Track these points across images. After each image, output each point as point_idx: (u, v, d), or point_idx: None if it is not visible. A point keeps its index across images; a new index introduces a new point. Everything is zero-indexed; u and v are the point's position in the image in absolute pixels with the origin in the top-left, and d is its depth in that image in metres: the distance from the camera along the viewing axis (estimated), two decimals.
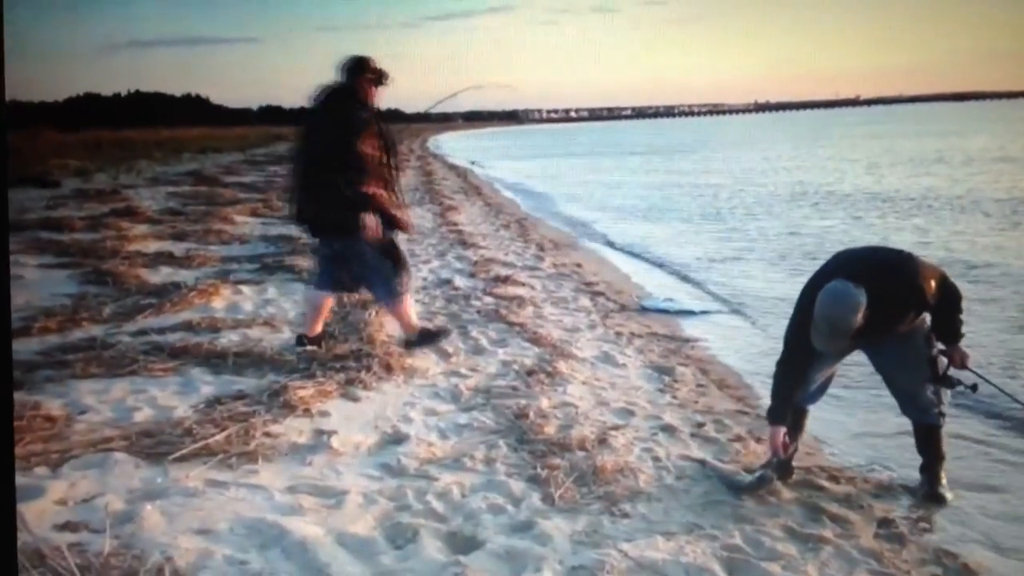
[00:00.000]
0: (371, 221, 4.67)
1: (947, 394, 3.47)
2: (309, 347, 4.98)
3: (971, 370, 3.43)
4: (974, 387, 3.41)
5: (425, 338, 5.19)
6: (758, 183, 20.15)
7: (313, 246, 5.08)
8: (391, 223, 4.82)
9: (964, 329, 3.39)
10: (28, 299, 6.27)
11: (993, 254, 9.41)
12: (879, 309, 3.11)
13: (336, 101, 4.72)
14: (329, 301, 5.17)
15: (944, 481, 3.48)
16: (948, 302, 3.31)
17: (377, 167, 4.73)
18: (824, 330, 3.13)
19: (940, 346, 3.42)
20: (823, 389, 3.61)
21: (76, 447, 3.54)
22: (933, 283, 3.24)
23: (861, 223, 12.73)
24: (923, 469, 3.54)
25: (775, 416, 3.42)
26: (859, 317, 3.07)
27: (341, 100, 4.72)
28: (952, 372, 3.41)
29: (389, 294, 4.96)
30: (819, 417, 4.47)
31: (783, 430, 3.39)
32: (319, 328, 5.12)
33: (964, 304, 3.36)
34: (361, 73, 4.74)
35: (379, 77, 4.78)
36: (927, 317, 3.39)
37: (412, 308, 5.19)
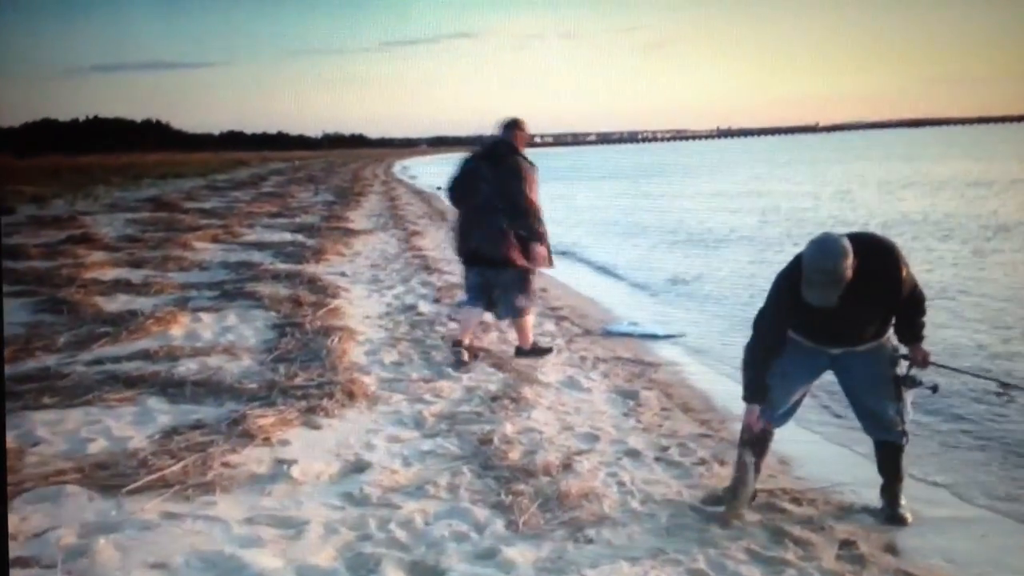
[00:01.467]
0: (543, 252, 5.72)
1: (909, 413, 3.51)
2: (464, 350, 5.71)
3: (935, 363, 3.49)
4: (935, 388, 3.47)
5: (535, 352, 5.91)
6: (729, 208, 20.27)
7: (463, 273, 6.04)
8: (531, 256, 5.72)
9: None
10: None
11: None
12: (860, 286, 3.17)
13: (503, 153, 5.62)
14: (482, 316, 6.01)
15: (903, 502, 3.53)
16: (916, 300, 3.40)
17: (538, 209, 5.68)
18: (817, 280, 3.15)
19: (903, 351, 3.47)
20: (791, 412, 3.64)
21: (28, 480, 3.45)
22: (908, 276, 3.33)
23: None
24: (883, 490, 3.58)
25: (749, 396, 3.49)
26: (847, 265, 3.13)
27: (506, 153, 5.62)
28: (914, 372, 3.46)
29: (516, 312, 5.80)
30: (784, 438, 4.53)
31: (757, 409, 3.47)
32: (468, 338, 5.85)
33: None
34: (519, 129, 5.69)
35: (527, 134, 5.80)
36: (891, 336, 3.45)
37: (531, 326, 6.03)
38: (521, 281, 5.74)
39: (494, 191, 5.59)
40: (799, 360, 3.49)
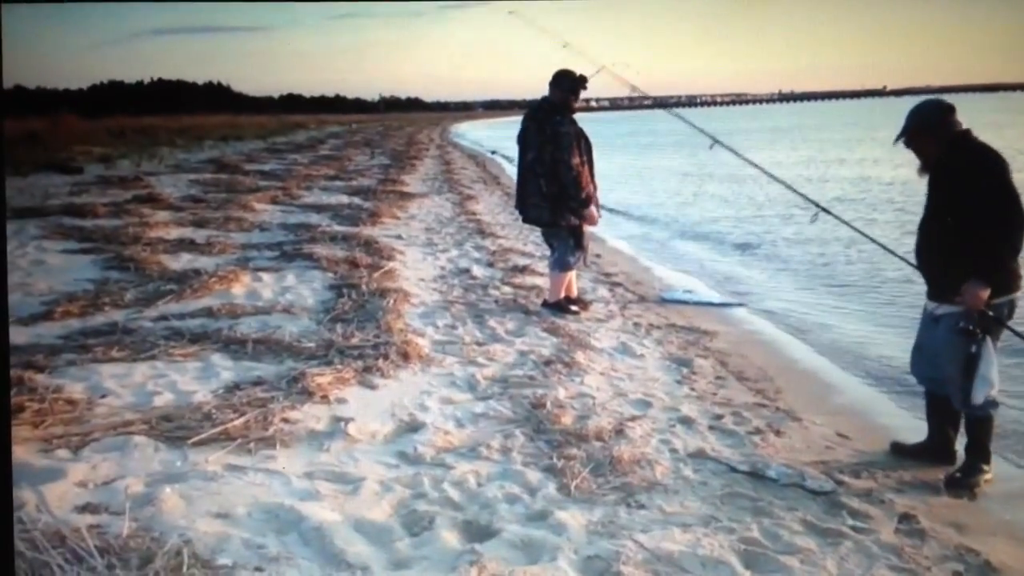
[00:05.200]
0: (593, 213, 5.89)
1: (989, 385, 3.35)
2: (569, 306, 6.02)
3: (995, 318, 3.34)
4: (982, 336, 3.30)
5: (559, 308, 6.02)
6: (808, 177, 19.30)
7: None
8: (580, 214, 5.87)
9: None
10: (51, 284, 6.33)
11: None
12: (949, 182, 3.35)
13: (544, 115, 5.72)
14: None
15: (980, 478, 3.44)
16: (994, 218, 3.21)
17: (583, 171, 5.76)
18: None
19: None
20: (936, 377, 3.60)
21: (97, 430, 3.57)
22: (995, 187, 3.24)
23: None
24: (966, 450, 3.54)
25: None
26: (925, 125, 3.43)
27: (547, 114, 5.71)
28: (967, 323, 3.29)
29: (562, 266, 5.97)
30: (844, 412, 4.46)
31: None
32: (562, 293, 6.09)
33: None
34: (568, 83, 5.70)
35: (579, 87, 5.76)
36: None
37: (565, 284, 6.11)
38: (571, 238, 5.90)
39: (536, 157, 5.75)
40: (924, 321, 3.62)
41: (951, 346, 3.38)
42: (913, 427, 4.04)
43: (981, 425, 3.47)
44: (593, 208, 5.89)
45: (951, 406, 3.57)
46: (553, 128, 5.69)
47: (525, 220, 6.23)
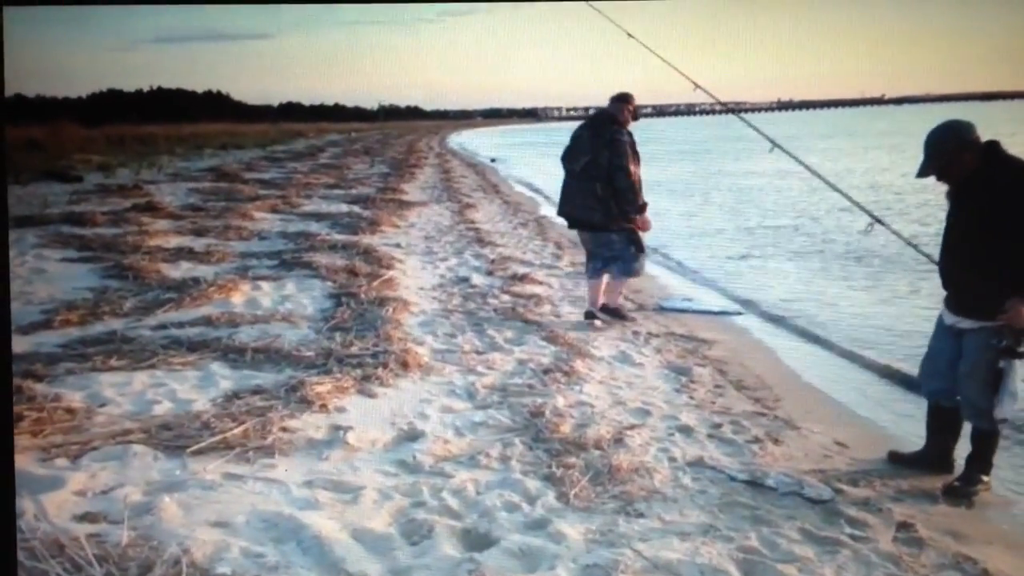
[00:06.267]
0: (648, 218, 6.08)
1: (1013, 400, 3.36)
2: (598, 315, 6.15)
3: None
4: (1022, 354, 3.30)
5: (618, 314, 6.23)
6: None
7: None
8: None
9: None
10: (50, 292, 6.34)
11: None
12: (978, 196, 3.28)
13: (603, 124, 5.93)
14: (600, 282, 6.26)
15: (978, 488, 3.45)
16: None
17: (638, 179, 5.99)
18: (923, 151, 3.39)
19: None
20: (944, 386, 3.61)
21: (96, 439, 3.58)
22: None
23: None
24: (968, 460, 3.54)
25: None
26: (950, 147, 3.33)
27: (606, 124, 5.93)
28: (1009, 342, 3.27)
29: (629, 272, 6.17)
30: (842, 421, 4.46)
31: None
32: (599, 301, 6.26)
33: None
34: (625, 103, 5.97)
35: (634, 108, 6.06)
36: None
37: (603, 290, 6.28)
38: (631, 245, 6.09)
39: (591, 160, 5.94)
40: (939, 334, 3.59)
41: (978, 362, 3.38)
42: (911, 435, 4.05)
43: (988, 439, 3.48)
44: (648, 214, 6.11)
45: (955, 417, 3.58)
46: (612, 135, 5.91)
47: (572, 224, 6.33)
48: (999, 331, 3.29)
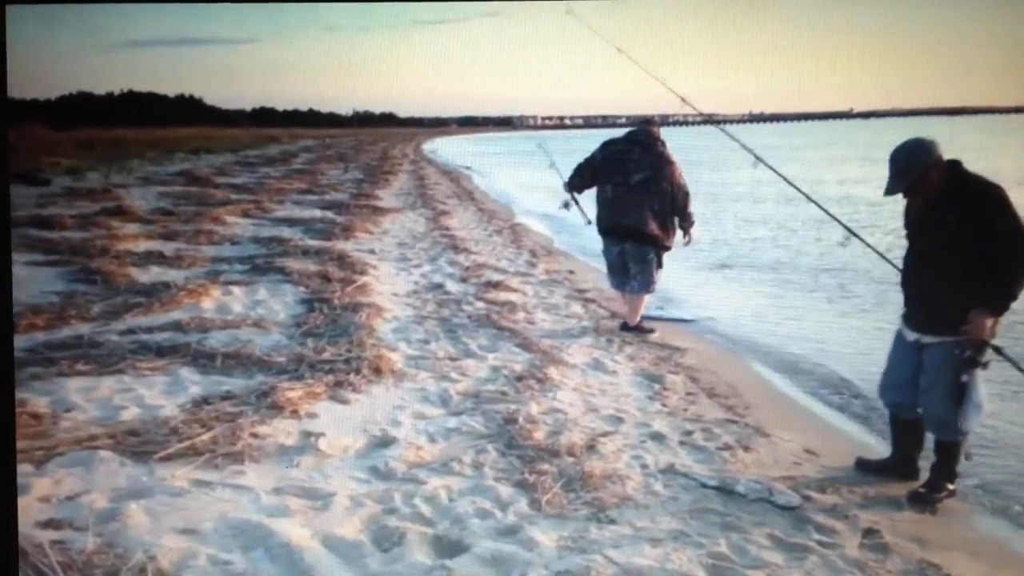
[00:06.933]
0: (694, 234, 6.31)
1: (977, 413, 3.43)
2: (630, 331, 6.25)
3: (994, 347, 3.36)
4: (984, 364, 3.37)
5: (641, 329, 6.30)
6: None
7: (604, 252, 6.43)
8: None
9: None
10: (16, 296, 6.23)
11: None
12: (946, 215, 3.30)
13: (649, 142, 6.11)
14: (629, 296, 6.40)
15: (942, 495, 3.51)
16: (1012, 252, 3.21)
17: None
18: (891, 169, 3.41)
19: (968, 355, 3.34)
20: (907, 398, 3.65)
21: (61, 444, 3.52)
22: (1003, 216, 3.23)
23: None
24: (932, 468, 3.59)
25: None
26: (919, 165, 3.34)
27: (652, 141, 6.12)
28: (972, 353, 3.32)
29: (648, 287, 6.27)
30: (812, 428, 4.51)
31: None
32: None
33: None
34: (653, 126, 6.19)
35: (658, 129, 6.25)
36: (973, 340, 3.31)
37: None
38: (658, 259, 6.29)
39: (647, 176, 6.10)
40: (898, 348, 3.65)
41: (941, 375, 3.43)
42: (877, 444, 4.10)
43: (951, 449, 3.53)
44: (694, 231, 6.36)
45: (917, 428, 3.64)
46: (665, 154, 6.16)
47: (619, 237, 6.27)
48: (961, 343, 3.35)
